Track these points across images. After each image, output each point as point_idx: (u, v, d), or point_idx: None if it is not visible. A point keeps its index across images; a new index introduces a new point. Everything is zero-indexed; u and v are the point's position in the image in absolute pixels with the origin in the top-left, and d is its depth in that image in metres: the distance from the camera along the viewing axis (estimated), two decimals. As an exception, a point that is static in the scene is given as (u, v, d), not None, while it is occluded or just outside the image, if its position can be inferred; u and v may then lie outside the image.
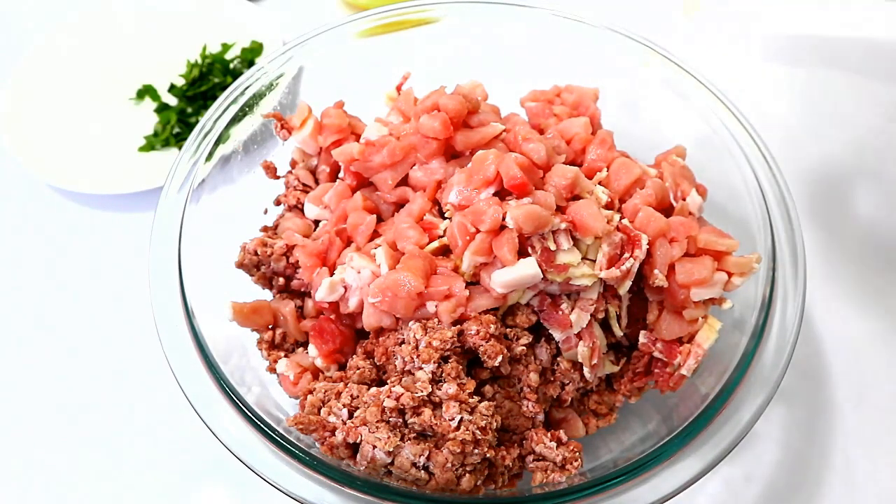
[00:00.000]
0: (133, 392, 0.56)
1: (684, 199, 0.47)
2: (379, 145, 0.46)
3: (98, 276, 0.63)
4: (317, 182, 0.52)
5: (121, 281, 0.62)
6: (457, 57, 0.56)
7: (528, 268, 0.39)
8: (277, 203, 0.53)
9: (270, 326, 0.48)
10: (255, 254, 0.48)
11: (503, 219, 0.39)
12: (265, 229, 0.52)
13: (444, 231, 0.42)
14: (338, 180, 0.49)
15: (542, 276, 0.40)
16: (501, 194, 0.41)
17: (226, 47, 0.78)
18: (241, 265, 0.49)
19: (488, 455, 0.38)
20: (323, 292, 0.43)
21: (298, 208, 0.51)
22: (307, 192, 0.51)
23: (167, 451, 0.53)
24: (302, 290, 0.48)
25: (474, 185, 0.41)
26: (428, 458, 0.37)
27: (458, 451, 0.37)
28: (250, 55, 0.77)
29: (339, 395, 0.41)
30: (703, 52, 0.69)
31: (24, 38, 0.81)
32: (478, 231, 0.40)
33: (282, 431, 0.39)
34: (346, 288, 0.43)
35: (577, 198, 0.42)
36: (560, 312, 0.41)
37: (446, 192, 0.43)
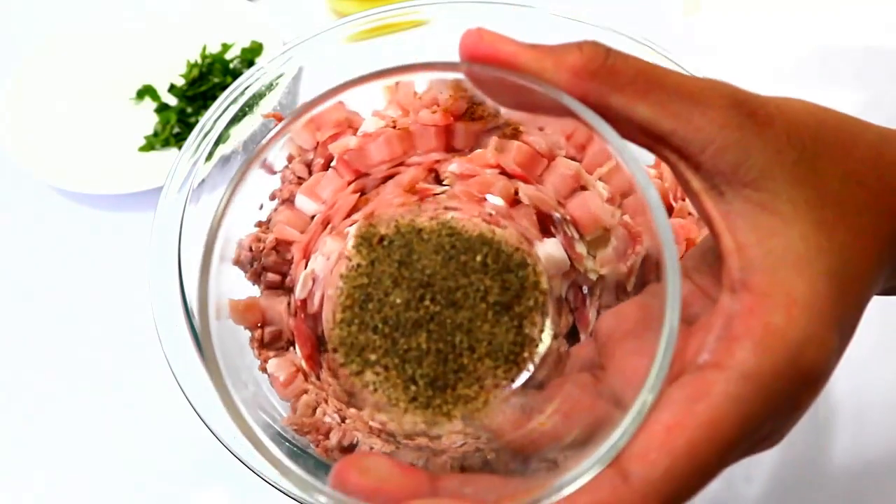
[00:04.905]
0: (132, 392, 0.56)
1: (683, 200, 0.47)
2: (375, 136, 0.44)
3: (97, 276, 0.63)
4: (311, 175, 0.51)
5: (120, 281, 0.62)
6: (456, 57, 0.56)
7: (551, 248, 0.35)
8: (272, 198, 0.53)
9: (261, 325, 0.48)
10: (250, 249, 0.47)
11: (516, 193, 0.35)
12: (259, 224, 0.52)
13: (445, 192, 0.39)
14: (330, 168, 0.47)
15: (569, 262, 0.35)
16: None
17: (225, 47, 0.77)
18: (237, 262, 0.48)
19: (489, 458, 0.38)
20: (298, 289, 0.40)
21: (292, 202, 0.50)
22: (302, 185, 0.50)
23: (166, 451, 0.53)
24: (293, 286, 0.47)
25: (477, 163, 0.38)
26: (427, 461, 0.37)
27: (459, 455, 0.36)
28: (250, 55, 0.77)
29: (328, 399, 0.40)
30: (702, 52, 0.69)
31: (24, 39, 0.80)
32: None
33: (279, 430, 0.39)
34: (314, 280, 0.39)
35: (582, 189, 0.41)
36: (586, 311, 0.38)
37: (445, 165, 0.39)
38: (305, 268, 0.42)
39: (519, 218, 0.36)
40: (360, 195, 0.43)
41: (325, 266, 0.38)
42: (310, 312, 0.41)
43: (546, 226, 0.37)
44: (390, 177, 0.43)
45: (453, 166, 0.39)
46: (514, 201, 0.37)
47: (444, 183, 0.41)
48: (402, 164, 0.44)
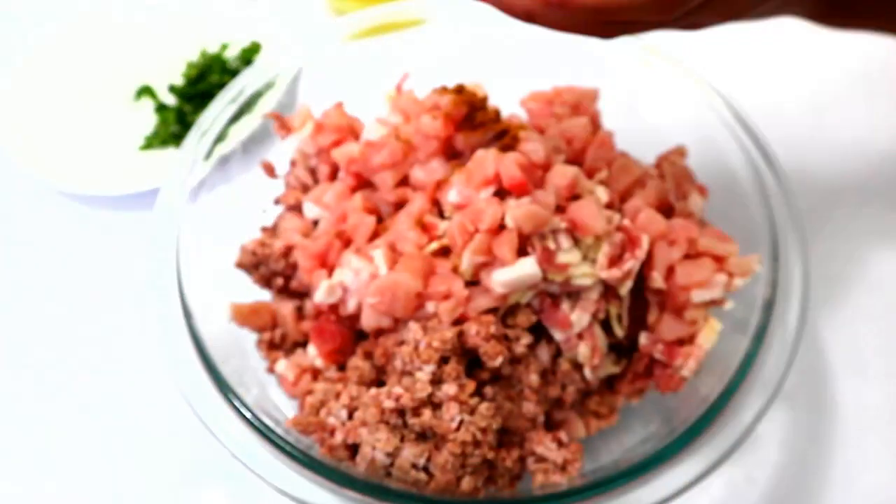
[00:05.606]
0: (131, 393, 0.56)
1: (685, 199, 0.47)
2: (379, 145, 0.46)
3: (97, 276, 0.63)
4: (316, 182, 0.51)
5: (120, 281, 0.62)
6: (457, 58, 0.56)
7: (527, 267, 0.39)
8: (277, 203, 0.53)
9: (269, 327, 0.48)
10: (254, 254, 0.47)
11: (502, 218, 0.39)
12: (264, 229, 0.52)
13: (444, 232, 0.42)
14: (337, 180, 0.49)
15: (541, 275, 0.39)
16: (501, 194, 0.41)
17: (224, 47, 0.77)
18: (240, 265, 0.49)
19: (489, 456, 0.38)
20: (321, 295, 0.43)
21: (297, 208, 0.51)
22: (307, 192, 0.50)
23: (165, 453, 0.53)
24: (301, 290, 0.48)
25: (474, 184, 0.41)
26: (428, 460, 0.37)
27: (459, 452, 0.37)
28: (249, 55, 0.76)
29: (338, 395, 0.41)
30: (703, 52, 0.69)
31: (23, 39, 0.80)
32: (477, 231, 0.40)
33: (281, 433, 0.39)
34: (344, 290, 0.43)
35: (577, 198, 0.42)
36: (560, 312, 0.41)
37: (446, 192, 0.43)
38: (329, 277, 0.44)
39: (499, 245, 0.39)
40: (379, 221, 0.46)
41: (357, 279, 0.42)
42: (343, 315, 0.44)
43: (524, 246, 0.40)
44: (400, 203, 0.46)
45: (452, 194, 0.42)
46: (499, 227, 0.39)
47: (444, 216, 0.44)
48: (406, 182, 0.46)
